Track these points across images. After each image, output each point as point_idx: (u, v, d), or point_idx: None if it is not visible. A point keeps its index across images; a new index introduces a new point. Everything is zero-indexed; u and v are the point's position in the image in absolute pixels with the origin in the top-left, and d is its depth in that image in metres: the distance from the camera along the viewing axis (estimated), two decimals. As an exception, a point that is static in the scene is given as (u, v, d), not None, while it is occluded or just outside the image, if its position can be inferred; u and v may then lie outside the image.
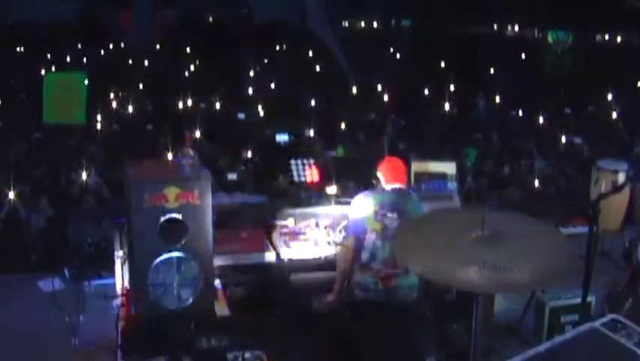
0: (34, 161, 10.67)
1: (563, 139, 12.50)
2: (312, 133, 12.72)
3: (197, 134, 12.25)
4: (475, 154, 12.01)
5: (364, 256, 4.19)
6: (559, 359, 2.41)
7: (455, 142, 12.73)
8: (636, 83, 16.72)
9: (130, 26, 21.45)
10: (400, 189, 4.37)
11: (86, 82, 6.81)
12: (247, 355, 3.69)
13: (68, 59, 21.00)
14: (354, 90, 17.11)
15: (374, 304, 4.14)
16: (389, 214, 4.21)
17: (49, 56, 20.78)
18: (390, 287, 4.15)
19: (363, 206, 4.29)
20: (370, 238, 4.19)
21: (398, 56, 24.25)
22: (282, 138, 8.53)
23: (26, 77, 16.96)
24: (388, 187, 4.36)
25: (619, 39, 24.18)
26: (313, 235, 4.89)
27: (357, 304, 4.20)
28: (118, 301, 4.27)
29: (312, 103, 15.95)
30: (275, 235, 4.91)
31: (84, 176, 10.39)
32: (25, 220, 8.32)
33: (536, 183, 10.17)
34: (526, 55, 23.07)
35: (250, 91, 17.05)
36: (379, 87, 17.15)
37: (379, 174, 4.45)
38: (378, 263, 4.16)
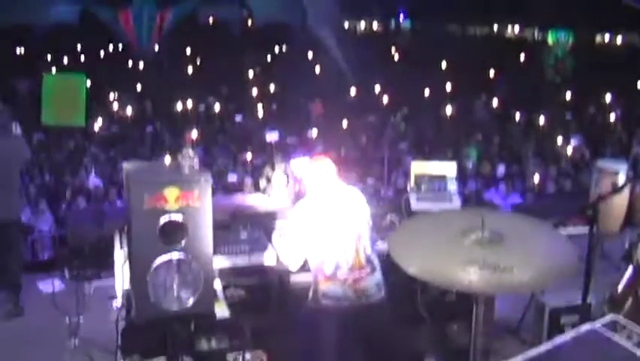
0: (34, 162, 10.67)
1: (563, 140, 12.50)
2: (312, 134, 12.73)
3: (197, 134, 12.25)
4: (475, 154, 12.02)
5: (328, 268, 4.08)
6: (559, 360, 2.42)
7: (455, 143, 12.74)
8: (636, 84, 16.72)
9: (128, 27, 21.42)
10: (337, 188, 4.27)
11: (88, 84, 6.81)
12: (247, 356, 3.69)
13: (67, 60, 21.01)
14: (354, 91, 17.12)
15: (345, 309, 4.08)
16: (337, 218, 4.13)
17: (48, 57, 20.79)
18: (360, 291, 4.10)
19: (311, 217, 4.20)
20: (330, 248, 4.11)
21: (398, 56, 24.25)
22: (272, 137, 8.49)
23: (26, 78, 16.96)
24: (323, 191, 4.25)
25: (619, 40, 24.18)
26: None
27: (326, 312, 4.11)
28: (118, 302, 4.27)
29: (312, 104, 15.95)
30: (275, 236, 4.90)
31: (84, 177, 10.41)
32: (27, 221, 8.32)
33: (536, 183, 10.18)
34: (526, 55, 23.08)
35: (250, 91, 17.05)
36: (379, 88, 17.15)
37: (310, 179, 4.31)
38: (345, 271, 4.09)
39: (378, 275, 4.14)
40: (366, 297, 4.10)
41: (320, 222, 4.14)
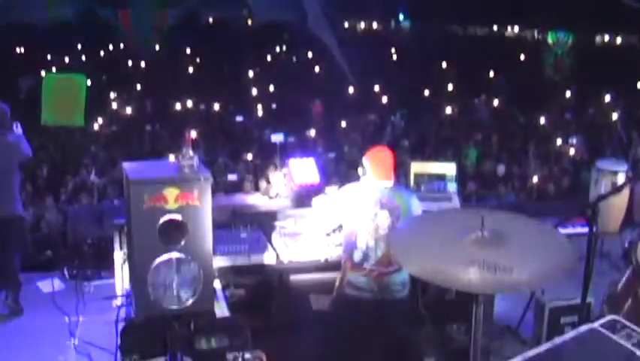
0: (36, 161, 10.67)
1: (562, 140, 12.51)
2: (312, 134, 12.73)
3: (197, 134, 12.24)
4: (475, 154, 12.03)
5: (357, 256, 4.16)
6: (558, 360, 2.41)
7: (455, 143, 12.75)
8: (636, 84, 16.73)
9: (128, 26, 21.46)
10: (388, 184, 4.29)
11: (88, 83, 6.80)
12: (247, 355, 3.69)
13: (68, 59, 21.01)
14: (354, 91, 17.13)
15: (366, 302, 4.14)
16: (379, 212, 4.19)
17: (48, 57, 20.79)
18: (383, 285, 4.14)
19: (352, 202, 4.23)
20: (363, 238, 4.16)
21: (398, 56, 24.25)
22: (277, 138, 8.52)
23: (26, 77, 16.96)
24: (376, 182, 4.27)
25: (619, 40, 24.19)
26: (313, 236, 4.88)
27: (350, 302, 4.19)
28: (117, 302, 4.27)
29: (313, 104, 15.96)
30: (274, 236, 4.91)
31: (84, 176, 10.41)
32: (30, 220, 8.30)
33: (535, 183, 10.18)
34: (525, 55, 23.10)
35: (250, 91, 17.05)
36: (379, 88, 17.16)
37: (366, 167, 4.32)
38: (371, 263, 4.14)
39: (405, 274, 4.18)
40: (388, 292, 4.14)
41: (361, 209, 4.16)
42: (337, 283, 4.29)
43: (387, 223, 4.14)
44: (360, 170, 4.35)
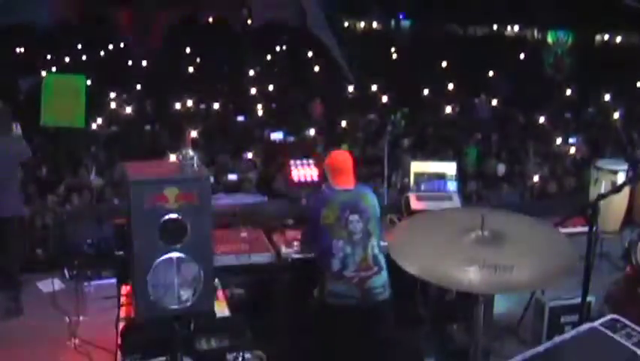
0: (36, 161, 10.68)
1: (562, 140, 12.52)
2: (312, 133, 12.73)
3: (197, 134, 12.25)
4: (474, 154, 12.04)
5: (335, 265, 4.11)
6: (558, 359, 2.42)
7: (455, 142, 12.75)
8: (636, 84, 16.73)
9: (130, 26, 21.44)
10: (352, 184, 4.29)
11: (88, 83, 6.80)
12: (247, 355, 3.69)
13: (68, 59, 21.00)
14: (354, 90, 17.14)
15: (350, 309, 4.10)
16: (351, 217, 4.17)
17: (48, 56, 20.78)
18: (365, 290, 4.11)
19: (322, 211, 4.21)
20: (338, 245, 4.12)
21: (398, 55, 24.24)
22: (276, 136, 8.54)
23: (26, 78, 16.94)
24: (339, 187, 4.27)
25: (619, 39, 24.20)
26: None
27: (333, 311, 4.15)
28: (117, 302, 4.27)
29: (312, 104, 15.96)
30: (275, 235, 4.91)
31: (84, 177, 10.42)
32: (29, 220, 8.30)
33: (535, 183, 10.19)
34: (525, 55, 23.09)
35: (250, 91, 17.06)
36: (379, 87, 17.16)
37: (327, 174, 4.32)
38: (351, 270, 4.10)
39: (384, 275, 4.15)
40: (371, 296, 4.12)
41: (331, 218, 4.15)
42: (317, 295, 4.24)
43: (359, 227, 4.13)
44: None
